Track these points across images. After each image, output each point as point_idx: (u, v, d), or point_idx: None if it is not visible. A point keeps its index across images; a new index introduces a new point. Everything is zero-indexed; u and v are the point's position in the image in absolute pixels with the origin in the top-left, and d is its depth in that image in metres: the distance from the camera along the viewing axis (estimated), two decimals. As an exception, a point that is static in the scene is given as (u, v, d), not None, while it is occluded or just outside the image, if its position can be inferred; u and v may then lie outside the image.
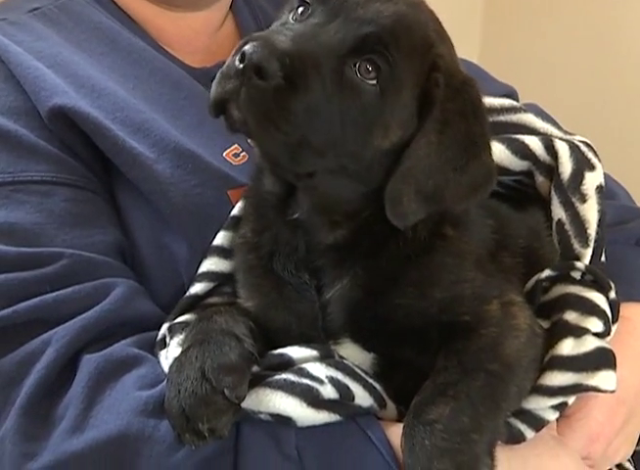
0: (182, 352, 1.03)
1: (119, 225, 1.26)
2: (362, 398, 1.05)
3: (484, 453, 0.97)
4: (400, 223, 1.04)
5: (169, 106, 1.36)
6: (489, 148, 1.09)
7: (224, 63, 1.45)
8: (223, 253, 1.22)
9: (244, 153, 1.35)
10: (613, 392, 1.07)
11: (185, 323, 1.14)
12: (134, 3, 1.49)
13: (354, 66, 0.99)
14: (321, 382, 1.03)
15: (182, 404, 0.97)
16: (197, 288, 1.20)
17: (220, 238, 1.22)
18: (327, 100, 0.98)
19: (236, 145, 1.36)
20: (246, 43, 0.95)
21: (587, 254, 1.22)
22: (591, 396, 1.11)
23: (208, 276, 1.21)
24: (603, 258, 1.26)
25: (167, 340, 1.13)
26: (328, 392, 1.03)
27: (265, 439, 1.01)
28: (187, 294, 1.20)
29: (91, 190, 1.25)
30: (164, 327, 1.15)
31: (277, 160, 1.01)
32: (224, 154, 1.34)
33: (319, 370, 1.04)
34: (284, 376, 1.03)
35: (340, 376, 1.05)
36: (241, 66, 0.94)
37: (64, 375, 1.08)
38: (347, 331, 1.11)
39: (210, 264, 1.21)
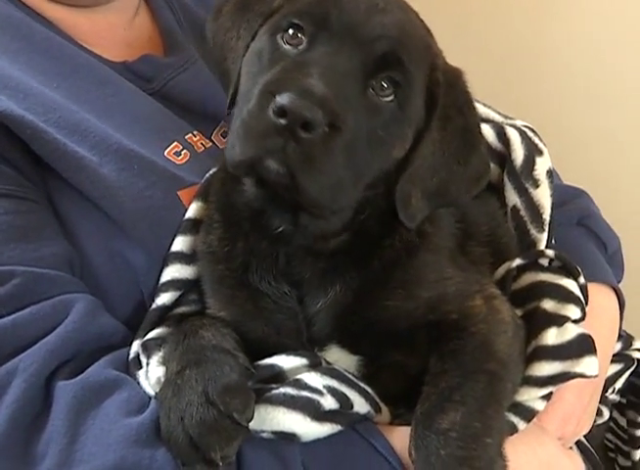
0: (176, 375, 0.96)
1: (65, 235, 1.15)
2: (360, 404, 1.02)
3: (497, 455, 0.97)
4: (410, 223, 1.05)
5: (99, 104, 1.24)
6: (483, 137, 1.12)
7: (147, 57, 1.37)
8: (185, 259, 1.15)
9: (185, 151, 1.27)
10: (596, 377, 1.09)
11: (160, 339, 1.07)
12: (43, 4, 1.34)
13: (373, 87, 0.98)
14: (320, 393, 0.99)
15: (189, 433, 0.91)
16: (164, 298, 1.12)
17: (179, 243, 1.15)
18: (359, 132, 0.96)
19: (175, 143, 1.27)
20: (272, 92, 0.90)
21: (543, 238, 1.25)
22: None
23: (174, 285, 1.13)
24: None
25: (143, 358, 1.05)
26: (329, 403, 0.99)
27: (270, 458, 0.96)
28: (154, 305, 1.12)
29: (32, 200, 1.13)
30: (137, 344, 1.07)
31: (319, 203, 0.96)
32: (165, 153, 1.25)
33: (315, 380, 1.01)
34: (282, 390, 0.99)
35: (335, 384, 1.02)
36: (283, 121, 0.89)
37: (37, 407, 0.98)
38: (335, 338, 1.07)
39: (174, 272, 1.14)
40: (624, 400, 1.48)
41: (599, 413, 1.36)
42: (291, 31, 1.00)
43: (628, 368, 1.39)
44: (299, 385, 0.99)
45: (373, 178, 1.01)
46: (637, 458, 1.47)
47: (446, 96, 1.04)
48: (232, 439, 0.92)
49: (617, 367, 1.37)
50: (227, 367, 0.96)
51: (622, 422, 1.49)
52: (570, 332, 1.10)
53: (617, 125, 2.47)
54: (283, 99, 0.88)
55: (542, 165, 1.26)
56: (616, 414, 1.49)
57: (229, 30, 1.10)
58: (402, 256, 1.07)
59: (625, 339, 1.39)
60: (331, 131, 0.91)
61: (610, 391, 1.38)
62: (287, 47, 1.00)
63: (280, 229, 1.05)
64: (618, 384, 1.39)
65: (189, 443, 0.91)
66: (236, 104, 1.04)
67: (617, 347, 1.36)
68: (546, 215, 1.25)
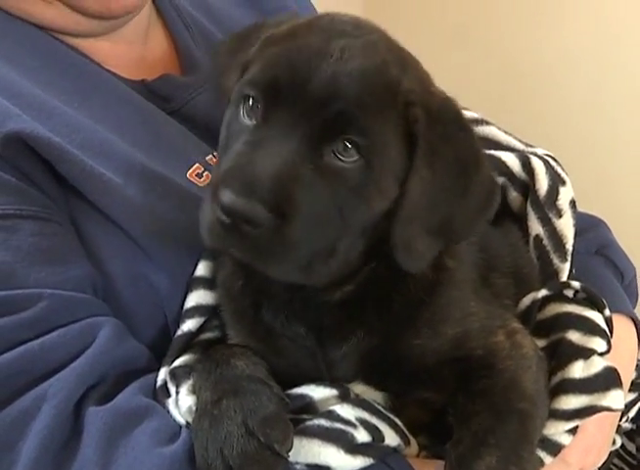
0: (212, 405, 0.96)
1: (88, 258, 1.14)
2: (390, 437, 1.02)
3: None
4: (417, 268, 1.00)
5: (120, 124, 1.23)
6: (484, 162, 1.03)
7: (167, 76, 1.37)
8: (208, 284, 1.14)
9: (206, 172, 1.27)
10: (622, 410, 1.10)
11: (189, 367, 1.06)
12: (58, 19, 1.28)
13: (332, 152, 0.92)
14: (353, 425, 0.99)
15: (229, 464, 0.90)
16: (189, 325, 1.11)
17: (202, 268, 1.15)
18: (321, 205, 0.92)
19: (197, 164, 1.27)
20: (217, 187, 0.89)
21: (566, 268, 1.25)
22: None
23: (198, 311, 1.13)
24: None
25: (171, 387, 1.04)
26: (362, 435, 0.99)
27: None
28: (179, 332, 1.11)
29: (56, 222, 1.12)
30: (164, 372, 1.07)
31: (292, 282, 0.97)
32: (187, 174, 1.25)
33: (348, 412, 1.00)
34: (316, 422, 0.98)
35: (367, 416, 1.01)
36: (227, 220, 0.88)
37: (67, 434, 0.97)
38: (360, 376, 1.07)
39: (198, 298, 1.13)
40: (634, 427, 1.48)
41: (612, 442, 1.36)
42: (250, 102, 0.96)
43: (642, 397, 1.40)
44: (332, 417, 0.99)
45: (355, 237, 0.97)
46: (644, 483, 1.49)
47: (429, 130, 0.96)
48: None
49: (631, 396, 1.37)
50: (265, 398, 0.96)
51: (631, 447, 1.50)
52: (596, 365, 1.09)
53: (619, 132, 2.50)
54: (224, 197, 0.87)
55: (565, 195, 1.26)
56: (624, 440, 1.49)
57: (223, 74, 1.08)
58: (422, 296, 1.04)
59: (639, 367, 1.39)
60: (282, 221, 0.88)
61: (623, 419, 1.39)
62: (245, 121, 0.97)
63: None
64: (632, 412, 1.40)
65: None
66: None
67: (633, 376, 1.37)
68: (569, 245, 1.25)
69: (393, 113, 0.95)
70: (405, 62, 1.01)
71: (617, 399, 1.09)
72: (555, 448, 1.08)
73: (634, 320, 1.34)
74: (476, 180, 1.01)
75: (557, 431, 1.08)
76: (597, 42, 2.59)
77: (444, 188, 0.98)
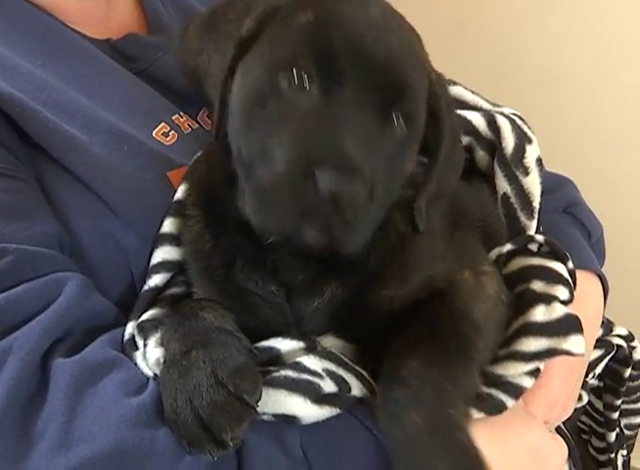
0: (181, 356, 0.95)
1: (55, 215, 1.13)
2: (356, 387, 1.02)
3: (459, 401, 0.97)
4: (424, 227, 1.07)
5: (86, 83, 1.23)
6: (460, 131, 1.13)
7: (132, 36, 1.36)
8: (174, 240, 1.14)
9: (172, 131, 1.27)
10: (582, 355, 1.10)
11: (156, 320, 1.06)
12: None
13: (391, 123, 0.96)
14: (320, 376, 1.00)
15: (199, 414, 0.90)
16: (156, 280, 1.12)
17: (168, 225, 1.15)
18: (386, 178, 0.96)
19: (163, 123, 1.27)
20: (309, 165, 0.86)
21: (533, 225, 1.26)
22: (549, 364, 1.13)
23: (165, 266, 1.13)
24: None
25: (139, 340, 1.04)
26: (328, 386, 0.99)
27: (269, 440, 0.96)
28: (146, 287, 1.12)
29: (22, 179, 1.11)
30: (131, 326, 1.07)
31: (353, 252, 0.95)
32: (153, 133, 1.25)
33: (315, 364, 1.01)
34: (283, 373, 0.99)
35: (333, 367, 1.02)
36: (327, 198, 0.85)
37: (34, 385, 0.96)
38: (331, 330, 1.08)
39: (164, 254, 1.13)
40: (601, 384, 1.50)
41: (579, 398, 1.38)
42: (294, 70, 0.93)
43: (608, 354, 1.41)
44: (299, 368, 1.00)
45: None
46: (612, 440, 1.51)
47: (445, 109, 1.04)
48: (242, 420, 0.91)
49: (597, 353, 1.39)
50: (234, 349, 0.96)
51: (598, 405, 1.52)
52: (557, 311, 1.10)
53: (617, 126, 2.53)
54: (324, 179, 0.85)
55: (532, 153, 1.28)
56: (591, 397, 1.51)
57: (199, 53, 1.04)
58: (398, 246, 1.07)
59: (606, 325, 1.41)
60: (371, 199, 0.91)
61: (590, 376, 1.41)
62: (292, 91, 0.93)
63: (270, 240, 1.02)
64: (598, 369, 1.42)
65: (198, 424, 0.90)
66: (232, 141, 1.00)
67: (599, 333, 1.38)
68: (536, 203, 1.26)
69: (425, 89, 1.01)
70: (417, 34, 1.05)
71: (577, 343, 1.09)
72: (516, 391, 1.07)
73: (601, 277, 1.35)
74: (458, 148, 1.09)
75: (516, 372, 1.07)
76: (595, 37, 2.61)
77: (447, 163, 1.06)
